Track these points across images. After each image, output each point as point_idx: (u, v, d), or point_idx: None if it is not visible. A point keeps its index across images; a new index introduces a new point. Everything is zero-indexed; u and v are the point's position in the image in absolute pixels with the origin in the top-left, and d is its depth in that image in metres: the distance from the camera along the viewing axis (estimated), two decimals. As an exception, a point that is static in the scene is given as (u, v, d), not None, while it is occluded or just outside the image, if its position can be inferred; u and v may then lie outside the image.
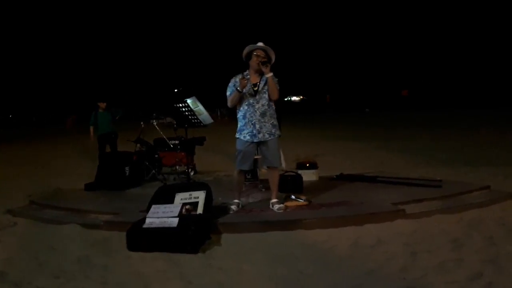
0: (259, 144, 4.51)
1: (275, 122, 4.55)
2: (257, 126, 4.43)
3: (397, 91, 51.18)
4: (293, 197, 4.74)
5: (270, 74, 4.33)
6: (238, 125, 4.58)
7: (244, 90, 4.43)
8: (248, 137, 4.46)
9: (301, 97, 63.50)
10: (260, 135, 4.44)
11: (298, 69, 51.06)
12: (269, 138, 4.47)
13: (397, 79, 51.90)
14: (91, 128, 8.43)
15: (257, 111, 4.43)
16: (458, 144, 10.93)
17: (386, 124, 20.80)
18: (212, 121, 5.41)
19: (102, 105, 8.33)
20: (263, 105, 4.44)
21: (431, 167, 7.71)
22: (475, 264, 3.07)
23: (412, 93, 49.33)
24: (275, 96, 4.45)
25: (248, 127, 4.46)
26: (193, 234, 3.68)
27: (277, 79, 4.46)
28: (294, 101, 61.64)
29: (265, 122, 4.45)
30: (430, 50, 51.04)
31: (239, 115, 4.55)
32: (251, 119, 4.44)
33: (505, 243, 3.45)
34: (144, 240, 3.74)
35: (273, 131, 4.49)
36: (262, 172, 5.48)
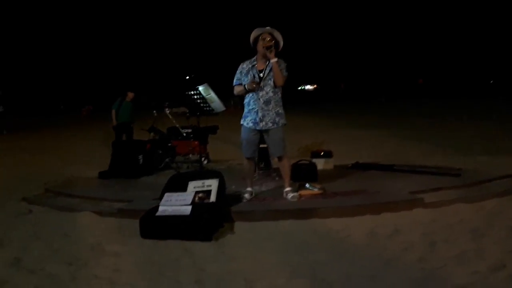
0: (263, 132, 4.42)
1: (281, 111, 4.40)
2: (260, 114, 4.32)
3: (413, 80, 50.36)
4: (307, 185, 4.66)
5: (275, 60, 4.21)
6: (244, 112, 4.50)
7: (249, 77, 4.34)
8: (251, 124, 4.38)
9: (315, 85, 62.91)
10: (263, 124, 4.34)
11: (311, 58, 50.42)
12: (272, 127, 4.36)
13: (413, 67, 50.95)
14: (113, 112, 8.33)
15: (261, 99, 4.32)
16: (475, 133, 10.67)
17: (401, 113, 20.48)
18: (224, 108, 5.34)
19: (131, 95, 8.40)
20: (267, 93, 4.32)
21: (447, 156, 7.53)
22: (496, 254, 2.96)
23: (427, 82, 48.47)
24: (279, 82, 4.30)
25: (252, 114, 4.37)
26: (206, 222, 3.65)
27: (285, 64, 4.33)
28: (308, 90, 61.12)
29: (268, 110, 4.33)
30: (445, 39, 49.86)
31: (245, 101, 4.47)
32: (254, 106, 4.35)
33: (528, 233, 3.33)
34: (157, 227, 3.72)
35: (277, 119, 4.36)
36: (275, 160, 5.41)
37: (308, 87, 62.43)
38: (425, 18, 50.75)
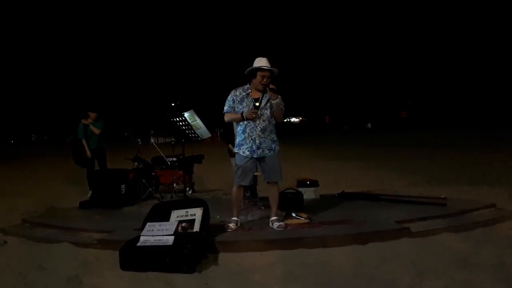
0: (259, 159, 4.39)
1: (275, 138, 4.44)
2: (257, 141, 4.31)
3: (396, 113, 51.54)
4: (293, 214, 4.59)
5: (277, 100, 4.24)
6: (237, 140, 4.45)
7: (245, 105, 4.33)
8: (247, 153, 4.34)
9: (300, 118, 63.78)
10: (260, 151, 4.32)
11: (297, 91, 51.38)
12: (269, 153, 4.36)
13: (396, 100, 52.33)
14: (84, 142, 7.24)
15: (258, 126, 4.32)
16: (458, 164, 10.82)
17: (385, 144, 20.75)
18: (210, 135, 5.30)
19: (93, 115, 7.28)
20: (264, 121, 4.33)
21: (432, 186, 7.59)
22: (486, 284, 2.92)
23: (411, 115, 49.64)
24: (280, 119, 4.43)
25: (248, 142, 4.34)
26: (189, 252, 3.52)
27: (280, 96, 4.31)
28: (294, 122, 61.86)
29: (265, 137, 4.34)
30: (427, 72, 51.58)
31: (239, 129, 4.43)
32: (251, 134, 4.33)
33: (516, 262, 3.30)
34: (138, 259, 3.57)
35: (273, 146, 4.38)
36: (263, 188, 5.34)
37: (294, 119, 63.23)
38: (407, 54, 52.59)
